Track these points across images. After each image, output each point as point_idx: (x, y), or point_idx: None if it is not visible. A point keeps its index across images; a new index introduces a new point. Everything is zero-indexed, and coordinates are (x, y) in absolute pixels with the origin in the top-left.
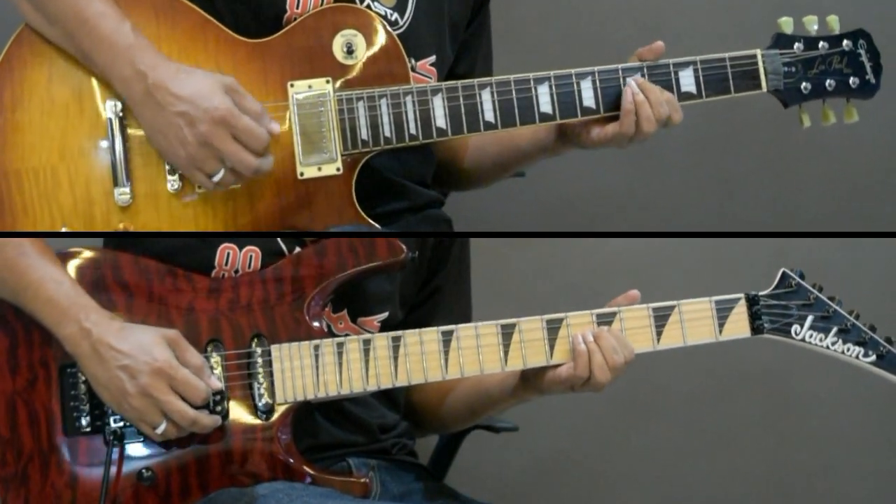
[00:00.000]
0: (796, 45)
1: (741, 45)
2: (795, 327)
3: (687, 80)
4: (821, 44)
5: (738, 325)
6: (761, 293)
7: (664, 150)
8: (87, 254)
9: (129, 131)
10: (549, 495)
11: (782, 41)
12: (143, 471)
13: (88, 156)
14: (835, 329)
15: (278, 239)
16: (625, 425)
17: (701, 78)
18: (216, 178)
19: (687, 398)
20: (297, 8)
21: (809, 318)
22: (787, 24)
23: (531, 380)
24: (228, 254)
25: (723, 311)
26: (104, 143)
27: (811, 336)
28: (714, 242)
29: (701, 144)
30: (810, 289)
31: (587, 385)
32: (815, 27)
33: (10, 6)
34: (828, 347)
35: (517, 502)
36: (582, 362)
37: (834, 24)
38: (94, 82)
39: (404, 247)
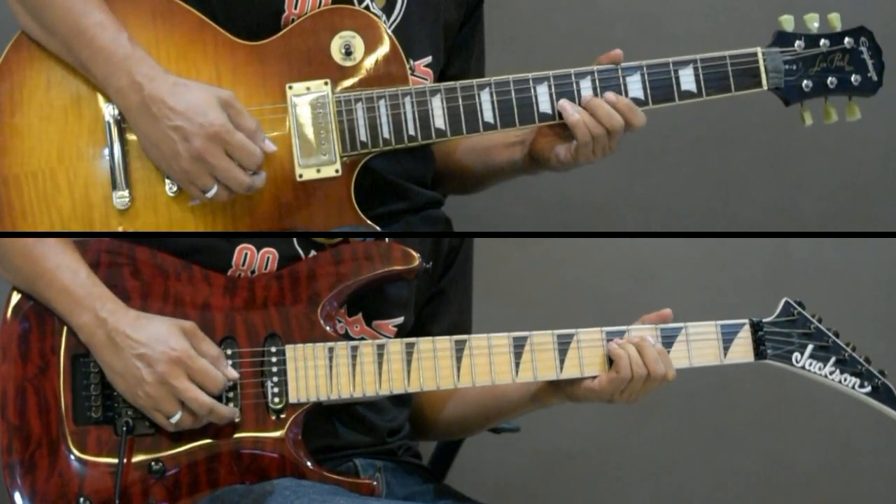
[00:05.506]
0: (797, 42)
1: (742, 44)
2: (796, 355)
3: (687, 79)
4: (822, 41)
5: (743, 350)
6: (765, 320)
7: (664, 150)
8: (104, 245)
9: (128, 135)
10: (550, 495)
11: (783, 39)
12: (153, 463)
13: (87, 159)
14: (833, 359)
15: (294, 242)
16: (625, 425)
17: (701, 76)
18: (209, 195)
19: (687, 398)
20: (295, 8)
21: (809, 347)
22: (787, 22)
23: (562, 386)
24: (246, 254)
25: (728, 336)
26: (103, 147)
27: (811, 364)
28: (714, 242)
29: (700, 144)
30: (811, 318)
31: (625, 393)
32: (817, 25)
33: (10, 11)
34: (826, 377)
35: (517, 502)
36: (623, 364)
37: (835, 21)
38: (93, 87)
39: (418, 255)
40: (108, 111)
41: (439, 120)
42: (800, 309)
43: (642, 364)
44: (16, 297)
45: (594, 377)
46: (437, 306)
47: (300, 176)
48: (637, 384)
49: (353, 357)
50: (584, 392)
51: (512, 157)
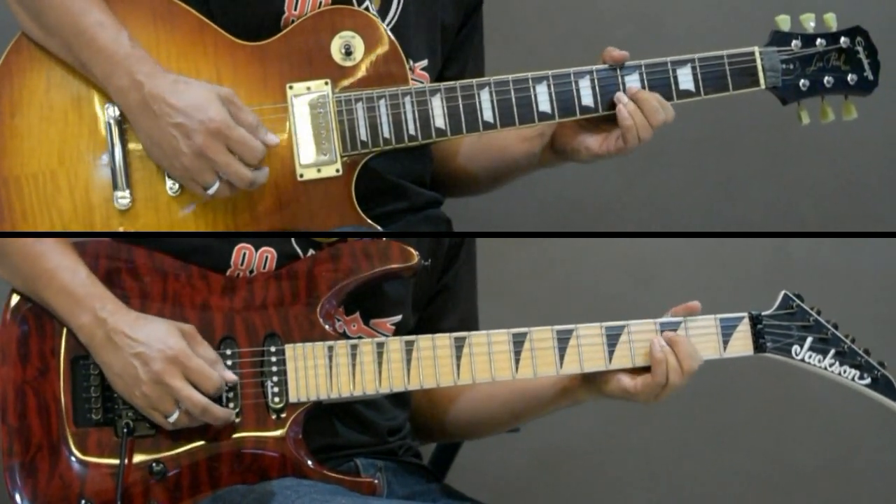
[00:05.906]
0: (794, 42)
1: (739, 43)
2: (795, 348)
3: (685, 78)
4: (818, 41)
5: (742, 344)
6: (764, 313)
7: (664, 150)
8: (103, 246)
9: (129, 136)
10: (550, 495)
11: (780, 39)
12: (154, 464)
13: (88, 160)
14: (832, 351)
15: (293, 241)
16: (625, 425)
17: (699, 76)
18: (211, 191)
19: (687, 397)
20: (295, 9)
21: (809, 340)
22: (784, 22)
23: (595, 382)
24: (244, 254)
25: (727, 329)
26: (103, 148)
27: (810, 357)
28: (714, 242)
29: (700, 144)
30: (809, 311)
31: (660, 395)
32: (813, 25)
33: (10, 12)
34: (825, 368)
35: (517, 502)
36: (661, 369)
37: (831, 21)
38: (93, 88)
39: (416, 253)
40: (109, 112)
41: (439, 119)
42: (798, 301)
43: (680, 372)
44: (15, 299)
45: (632, 374)
46: (444, 302)
47: (301, 176)
48: (672, 388)
49: (353, 356)
50: (620, 392)
51: (531, 149)
